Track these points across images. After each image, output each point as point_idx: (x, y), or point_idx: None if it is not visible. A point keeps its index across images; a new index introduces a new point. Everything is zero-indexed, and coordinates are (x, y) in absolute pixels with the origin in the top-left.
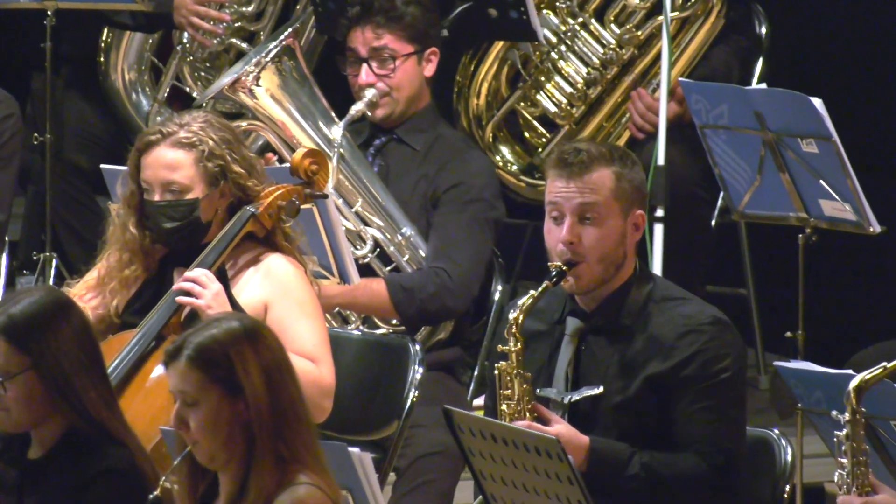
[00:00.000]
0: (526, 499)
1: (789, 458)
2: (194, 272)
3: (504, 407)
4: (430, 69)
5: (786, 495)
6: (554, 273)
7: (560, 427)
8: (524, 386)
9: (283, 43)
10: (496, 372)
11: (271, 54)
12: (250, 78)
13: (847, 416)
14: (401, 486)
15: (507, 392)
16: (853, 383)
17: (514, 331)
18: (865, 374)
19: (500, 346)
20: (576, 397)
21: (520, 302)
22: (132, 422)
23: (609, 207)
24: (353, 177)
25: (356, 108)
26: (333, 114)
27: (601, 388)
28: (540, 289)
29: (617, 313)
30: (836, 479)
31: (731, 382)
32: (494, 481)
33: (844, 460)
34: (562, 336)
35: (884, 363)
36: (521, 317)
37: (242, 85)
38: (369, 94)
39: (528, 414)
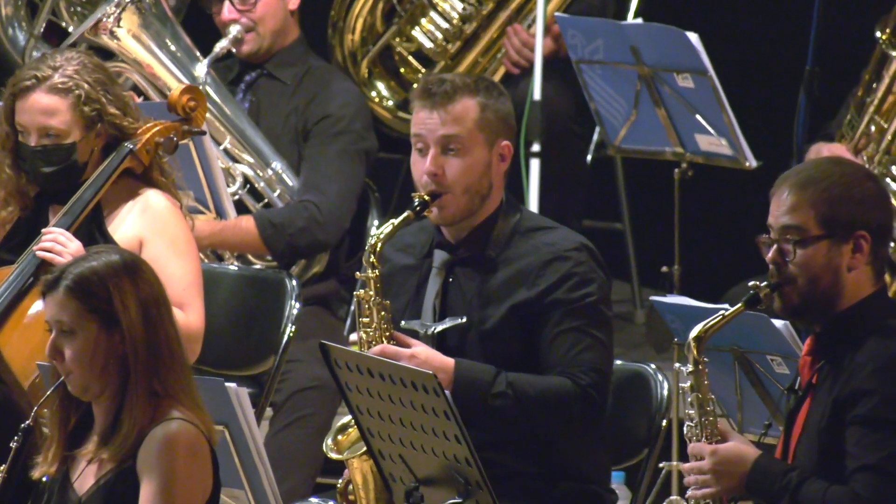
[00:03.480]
0: (403, 433)
1: (665, 392)
2: (53, 231)
3: (363, 334)
4: (294, 2)
5: (662, 429)
6: (416, 203)
7: (419, 349)
8: (382, 313)
9: None
10: (355, 299)
11: None
12: (111, 20)
13: (690, 367)
14: (277, 421)
15: (366, 320)
16: (693, 333)
17: (371, 259)
18: (706, 324)
19: (357, 273)
20: (440, 328)
21: (378, 229)
22: (10, 357)
23: (473, 138)
24: (220, 114)
25: (220, 46)
26: (198, 52)
27: (465, 319)
28: (400, 218)
29: (483, 244)
30: (685, 430)
31: (597, 306)
32: (371, 416)
33: (692, 411)
34: (430, 269)
35: (722, 311)
36: (378, 244)
37: (104, 27)
38: (234, 30)
39: (385, 341)
